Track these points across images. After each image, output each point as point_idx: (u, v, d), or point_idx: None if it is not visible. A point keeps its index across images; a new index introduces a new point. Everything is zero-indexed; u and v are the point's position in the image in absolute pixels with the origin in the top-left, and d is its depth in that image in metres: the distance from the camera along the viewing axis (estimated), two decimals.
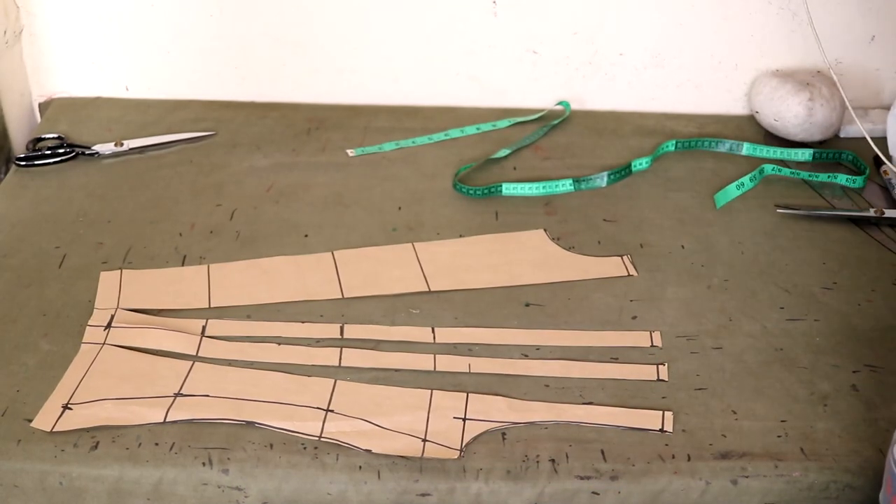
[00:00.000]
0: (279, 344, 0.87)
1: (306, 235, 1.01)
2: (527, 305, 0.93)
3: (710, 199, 1.10)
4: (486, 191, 1.07)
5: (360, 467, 0.76)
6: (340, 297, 0.93)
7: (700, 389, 0.84)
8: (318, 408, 0.80)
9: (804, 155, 1.15)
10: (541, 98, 1.26)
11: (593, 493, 0.76)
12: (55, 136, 1.16)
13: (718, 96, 1.27)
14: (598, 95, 1.26)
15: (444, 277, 0.95)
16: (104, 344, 0.86)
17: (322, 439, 0.78)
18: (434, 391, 0.82)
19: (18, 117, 1.21)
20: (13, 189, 1.07)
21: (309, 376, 0.84)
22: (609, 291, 0.95)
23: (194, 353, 0.85)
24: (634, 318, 0.92)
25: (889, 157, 1.14)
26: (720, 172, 1.15)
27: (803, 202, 1.09)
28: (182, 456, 0.76)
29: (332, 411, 0.80)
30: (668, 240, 1.02)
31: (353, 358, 0.86)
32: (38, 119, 1.25)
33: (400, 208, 1.06)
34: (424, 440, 0.78)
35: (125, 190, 1.07)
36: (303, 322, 0.89)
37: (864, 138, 1.12)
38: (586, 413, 0.81)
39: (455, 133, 1.20)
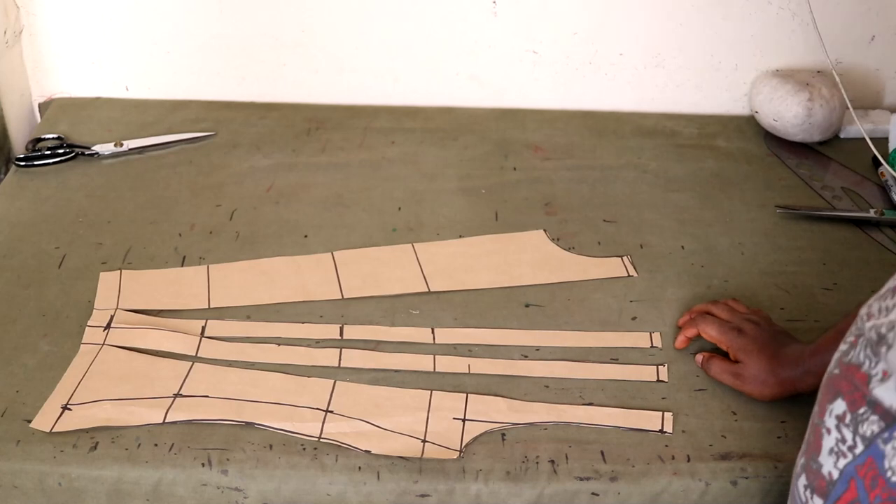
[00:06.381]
0: (279, 344, 0.87)
1: (306, 236, 1.01)
2: (527, 306, 0.93)
3: (710, 199, 1.10)
4: None
5: (360, 468, 0.76)
6: (340, 297, 0.93)
7: (700, 390, 0.84)
8: (317, 408, 0.80)
9: None
10: (541, 98, 1.26)
11: (593, 493, 0.76)
12: (55, 136, 1.16)
13: (718, 96, 1.27)
14: (598, 95, 1.26)
15: (443, 278, 0.95)
16: (104, 344, 0.86)
17: (321, 440, 0.78)
18: (434, 392, 0.82)
19: (18, 117, 1.21)
20: (13, 189, 1.07)
21: (308, 377, 0.84)
22: (609, 292, 0.95)
23: (194, 354, 0.85)
24: (634, 318, 0.91)
25: (887, 159, 1.14)
26: (720, 173, 1.15)
27: (803, 202, 1.09)
28: (181, 457, 0.76)
29: (331, 412, 0.80)
30: (668, 240, 1.02)
31: (353, 359, 0.86)
32: (38, 119, 1.25)
33: (400, 208, 1.06)
34: (424, 441, 0.78)
35: (125, 190, 1.07)
36: (302, 323, 0.89)
37: (864, 139, 1.12)
38: (586, 414, 0.81)
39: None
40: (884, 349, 0.54)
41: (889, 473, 0.52)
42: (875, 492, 0.54)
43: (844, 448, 0.56)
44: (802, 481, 0.60)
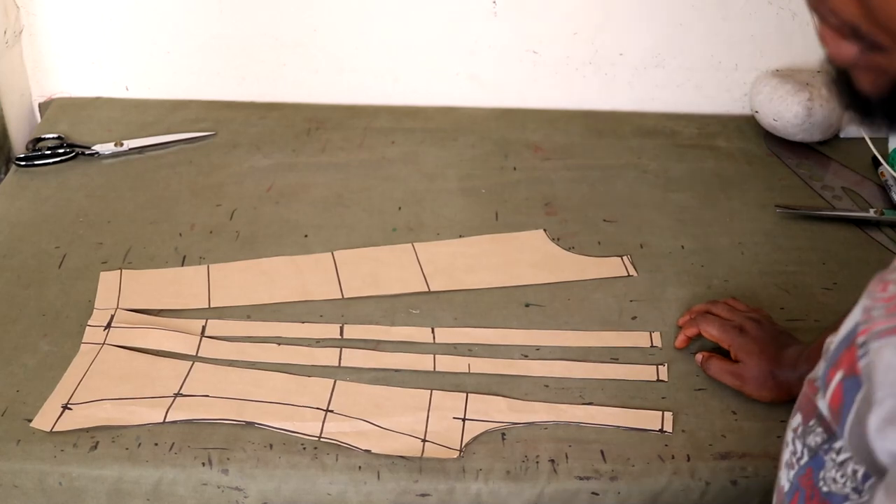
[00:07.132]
0: (279, 344, 0.87)
1: (306, 236, 1.01)
2: (527, 306, 0.93)
3: (710, 199, 1.10)
4: None
5: (360, 468, 0.76)
6: (340, 297, 0.93)
7: (700, 390, 0.84)
8: (317, 408, 0.80)
9: None
10: (541, 98, 1.26)
11: (593, 493, 0.76)
12: (55, 136, 1.16)
13: (718, 96, 1.27)
14: (598, 95, 1.26)
15: (443, 278, 0.95)
16: (104, 344, 0.86)
17: (322, 440, 0.78)
18: (434, 391, 0.82)
19: (18, 117, 1.21)
20: (13, 189, 1.07)
21: (309, 377, 0.84)
22: (609, 292, 0.95)
23: (194, 354, 0.85)
24: (634, 318, 0.92)
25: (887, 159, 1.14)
26: (720, 173, 1.15)
27: (803, 202, 1.09)
28: (182, 456, 0.76)
29: (331, 412, 0.80)
30: (668, 240, 1.02)
31: (353, 358, 0.86)
32: (38, 119, 1.25)
33: (400, 208, 1.06)
34: (424, 440, 0.78)
35: (125, 190, 1.07)
36: (303, 322, 0.89)
37: (864, 139, 1.12)
38: (586, 413, 0.81)
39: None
40: (822, 363, 0.55)
41: (821, 483, 0.52)
42: (812, 502, 0.54)
43: (794, 460, 0.56)
44: (774, 497, 0.61)
